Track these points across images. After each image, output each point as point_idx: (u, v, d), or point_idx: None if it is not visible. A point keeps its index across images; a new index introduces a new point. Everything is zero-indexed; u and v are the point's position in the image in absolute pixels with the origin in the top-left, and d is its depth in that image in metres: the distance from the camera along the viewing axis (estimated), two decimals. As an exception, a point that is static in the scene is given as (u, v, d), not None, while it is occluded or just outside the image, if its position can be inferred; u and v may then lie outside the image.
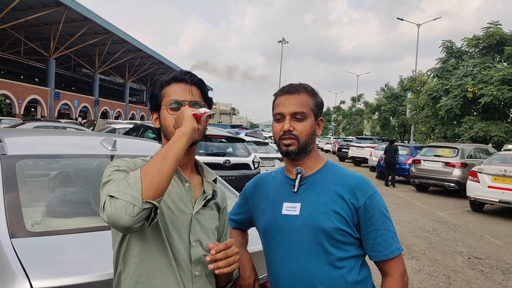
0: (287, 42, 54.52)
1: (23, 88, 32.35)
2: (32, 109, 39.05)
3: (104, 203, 0.98)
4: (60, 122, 20.43)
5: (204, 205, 1.26)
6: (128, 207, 0.95)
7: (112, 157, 2.19)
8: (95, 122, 19.65)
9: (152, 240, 1.13)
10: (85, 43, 36.38)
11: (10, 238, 1.40)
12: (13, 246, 1.36)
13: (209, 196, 1.28)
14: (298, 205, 1.32)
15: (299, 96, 1.33)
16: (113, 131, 12.55)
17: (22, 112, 32.11)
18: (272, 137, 1.40)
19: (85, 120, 34.52)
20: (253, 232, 1.57)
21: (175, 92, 1.23)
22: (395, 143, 15.59)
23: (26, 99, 32.71)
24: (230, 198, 2.31)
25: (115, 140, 2.24)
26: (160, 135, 1.31)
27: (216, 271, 1.13)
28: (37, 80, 42.62)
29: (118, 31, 36.66)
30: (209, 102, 1.32)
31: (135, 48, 41.79)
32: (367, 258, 1.34)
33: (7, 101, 29.37)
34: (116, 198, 0.96)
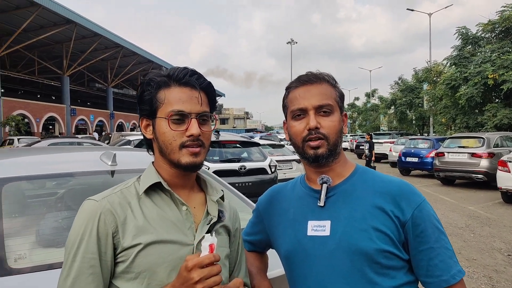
0: (296, 43, 54.19)
1: (39, 107, 32.99)
2: (50, 127, 39.77)
3: None
4: (77, 137, 20.64)
5: (209, 231, 1.01)
6: None
7: (112, 172, 1.98)
8: (110, 136, 19.75)
9: None
10: (97, 58, 36.89)
11: (-13, 279, 1.18)
12: (-12, 290, 1.14)
13: (215, 219, 1.03)
14: (327, 223, 1.05)
15: (321, 86, 1.07)
16: (128, 143, 12.49)
17: (40, 130, 32.73)
18: (291, 141, 1.12)
19: (95, 134, 35.04)
20: (273, 254, 1.31)
21: (179, 99, 0.97)
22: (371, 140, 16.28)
23: (44, 117, 33.33)
24: (247, 212, 2.05)
25: (115, 154, 2.02)
26: (151, 146, 1.06)
27: None
28: (54, 98, 43.39)
29: (128, 44, 37.10)
30: (215, 108, 1.07)
31: (146, 59, 42.21)
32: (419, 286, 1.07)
33: (25, 120, 29.93)
34: None
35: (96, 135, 34.25)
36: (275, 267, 1.35)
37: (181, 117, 0.97)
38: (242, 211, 1.89)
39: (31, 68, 36.37)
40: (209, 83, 1.03)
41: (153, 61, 43.29)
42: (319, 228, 1.06)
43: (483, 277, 4.42)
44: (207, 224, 1.01)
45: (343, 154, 1.12)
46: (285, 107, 1.13)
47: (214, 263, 0.84)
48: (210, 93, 1.03)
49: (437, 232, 1.02)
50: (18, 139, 20.21)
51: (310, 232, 1.07)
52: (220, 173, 5.58)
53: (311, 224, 1.07)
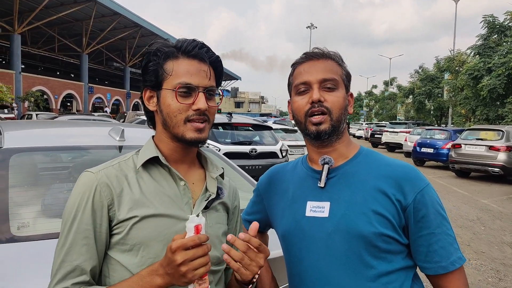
0: (316, 28, 53.29)
1: (58, 84, 33.52)
2: (68, 104, 40.45)
3: None
4: (93, 115, 20.95)
5: (207, 207, 1.00)
6: None
7: (120, 147, 1.99)
8: (125, 114, 19.98)
9: (142, 265, 0.90)
10: (116, 37, 37.07)
11: (-9, 244, 1.21)
12: (-9, 254, 1.17)
13: (213, 195, 1.02)
14: (326, 205, 1.03)
15: (327, 62, 1.05)
16: (143, 122, 12.62)
17: (58, 107, 33.34)
18: (294, 119, 1.09)
19: (107, 109, 35.53)
20: (272, 234, 1.31)
21: (187, 72, 0.95)
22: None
23: (62, 94, 33.91)
24: (250, 191, 2.05)
25: (123, 130, 2.03)
26: (153, 119, 1.05)
27: (235, 268, 0.88)
28: (72, 75, 43.99)
29: (147, 24, 37.10)
30: (220, 84, 1.05)
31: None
32: (418, 271, 1.05)
33: (44, 96, 30.49)
34: None
35: (108, 110, 34.70)
36: (275, 247, 1.35)
37: (188, 90, 0.95)
38: (246, 192, 1.89)
39: (51, 45, 36.82)
40: (218, 57, 1.01)
41: (171, 41, 43.24)
42: (318, 209, 1.04)
43: (490, 270, 4.36)
44: (205, 200, 1.00)
45: (346, 134, 1.10)
46: (290, 85, 1.11)
47: (201, 244, 0.82)
48: (217, 68, 1.02)
49: (439, 218, 0.99)
50: (37, 115, 20.65)
51: (308, 213, 1.05)
52: (231, 155, 5.59)
53: (310, 204, 1.06)
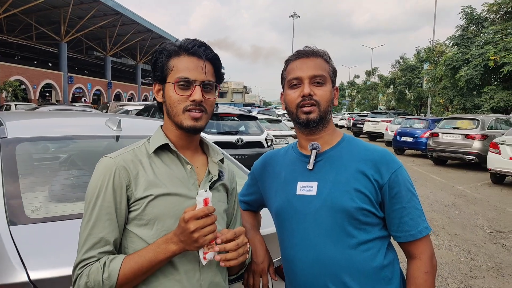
0: (299, 17, 53.24)
1: (37, 73, 32.65)
2: (47, 94, 39.50)
3: (76, 281, 0.99)
4: (74, 105, 20.62)
5: (210, 187, 1.14)
6: None
7: (117, 137, 2.10)
8: (108, 105, 19.74)
9: (153, 235, 1.04)
10: (95, 25, 36.23)
11: (9, 226, 1.33)
12: (11, 234, 1.29)
13: (215, 177, 1.16)
14: (314, 184, 1.19)
15: (316, 59, 1.20)
16: (126, 113, 12.55)
17: (37, 97, 32.54)
18: (286, 109, 1.24)
19: (85, 99, 35.03)
20: (265, 214, 1.46)
21: (186, 67, 1.08)
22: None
23: (41, 84, 33.06)
24: (242, 178, 2.20)
25: (120, 120, 2.14)
26: (162, 110, 1.19)
27: (222, 264, 1.01)
28: (51, 64, 42.85)
29: (127, 12, 36.35)
30: (221, 80, 1.18)
31: (145, 28, 41.47)
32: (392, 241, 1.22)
33: (22, 86, 29.71)
34: None
35: (85, 99, 34.17)
36: (267, 225, 1.50)
37: (186, 84, 1.08)
38: (238, 177, 2.03)
39: (29, 33, 35.71)
40: (215, 54, 1.14)
41: (153, 30, 42.53)
42: (307, 188, 1.20)
43: (463, 251, 4.67)
44: (209, 182, 1.15)
45: (332, 124, 1.26)
46: (283, 79, 1.25)
47: (209, 214, 0.97)
48: (216, 64, 1.14)
49: (409, 194, 1.16)
50: (15, 105, 20.20)
51: (299, 192, 1.21)
52: (217, 145, 5.70)
53: (300, 184, 1.21)
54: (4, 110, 19.74)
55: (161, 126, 1.18)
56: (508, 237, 5.22)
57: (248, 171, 2.03)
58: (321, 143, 1.22)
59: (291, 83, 1.20)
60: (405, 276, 1.20)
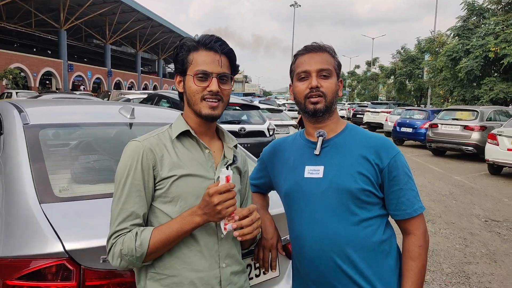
0: (300, 6, 52.85)
1: (37, 61, 32.57)
2: (47, 82, 39.41)
3: (111, 249, 1.12)
4: (75, 94, 20.65)
5: (227, 169, 1.26)
6: (129, 266, 1.14)
7: (131, 125, 2.22)
8: (109, 93, 19.78)
9: (177, 211, 1.16)
10: (95, 13, 36.01)
11: (40, 204, 1.45)
12: (43, 211, 1.41)
13: (230, 161, 1.28)
14: (321, 168, 1.31)
15: (323, 54, 1.31)
16: (128, 101, 12.62)
17: (37, 85, 32.50)
18: (295, 100, 1.36)
19: (84, 87, 35.15)
20: (273, 195, 1.58)
21: (204, 61, 1.19)
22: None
23: (41, 72, 33.00)
24: (249, 164, 2.33)
25: (133, 108, 2.25)
26: (182, 98, 1.30)
27: (239, 238, 1.13)
28: (50, 52, 42.66)
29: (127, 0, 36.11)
30: (236, 72, 1.30)
31: (145, 17, 41.23)
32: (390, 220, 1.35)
33: (22, 74, 29.66)
34: (121, 260, 1.11)
35: (83, 87, 34.25)
36: (275, 207, 1.63)
37: (204, 76, 1.19)
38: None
39: (28, 20, 35.49)
40: (230, 49, 1.25)
41: (153, 18, 42.30)
42: (314, 171, 1.32)
43: (458, 238, 4.83)
44: (224, 165, 1.27)
45: (336, 113, 1.37)
46: (292, 71, 1.37)
47: (230, 190, 1.10)
48: (231, 57, 1.26)
49: (406, 177, 1.29)
50: (17, 93, 20.22)
51: (306, 175, 1.33)
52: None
53: (307, 168, 1.34)
54: (6, 98, 19.78)
55: (182, 113, 1.30)
56: (503, 226, 5.38)
57: (255, 158, 2.15)
58: (327, 131, 1.34)
59: (300, 75, 1.31)
60: (401, 250, 1.33)
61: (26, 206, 1.44)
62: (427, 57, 25.93)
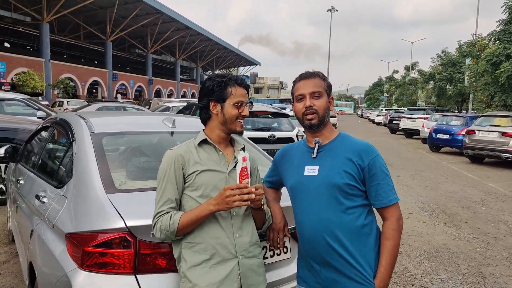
0: (337, 11, 52.67)
1: (85, 71, 34.82)
2: (94, 91, 41.92)
3: (154, 225, 1.60)
4: (119, 102, 22.01)
5: (235, 166, 1.68)
6: (166, 238, 1.62)
7: (172, 133, 2.68)
8: (150, 101, 20.90)
9: (201, 196, 1.63)
10: (138, 24, 37.99)
11: (106, 194, 1.93)
12: (109, 199, 1.88)
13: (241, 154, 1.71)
14: (317, 168, 1.69)
15: (314, 79, 1.70)
16: (167, 109, 13.42)
17: (85, 94, 34.67)
18: (296, 116, 1.77)
19: (119, 95, 37.13)
20: (285, 191, 1.97)
21: (241, 94, 1.70)
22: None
23: (88, 81, 35.22)
24: (267, 165, 2.74)
25: (175, 119, 2.72)
26: (205, 115, 1.75)
27: (245, 203, 1.55)
28: (96, 62, 45.35)
29: (168, 10, 37.80)
30: (249, 94, 1.79)
31: (184, 26, 42.84)
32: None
33: (72, 83, 31.84)
34: (160, 233, 1.58)
35: (120, 96, 36.09)
36: (285, 200, 2.01)
37: (241, 105, 1.70)
38: (264, 165, 2.55)
39: (77, 33, 38.04)
40: (248, 84, 1.73)
41: (192, 27, 43.84)
42: (311, 170, 1.70)
43: (481, 242, 4.93)
44: (234, 162, 1.69)
45: (329, 124, 1.75)
46: (292, 94, 1.76)
47: (240, 188, 1.53)
48: (248, 89, 1.77)
49: (383, 175, 1.63)
50: (67, 102, 21.82)
51: (306, 173, 1.71)
52: (252, 140, 6.24)
53: (307, 168, 1.72)
54: (57, 106, 21.42)
55: (203, 129, 1.77)
56: (530, 232, 5.40)
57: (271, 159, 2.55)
58: (322, 139, 1.72)
59: (297, 98, 1.71)
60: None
61: (96, 195, 1.93)
62: (468, 61, 25.14)
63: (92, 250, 1.72)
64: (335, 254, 1.62)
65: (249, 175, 1.59)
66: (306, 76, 1.71)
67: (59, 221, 1.99)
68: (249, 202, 1.56)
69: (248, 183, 1.58)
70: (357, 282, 1.61)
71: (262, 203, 1.67)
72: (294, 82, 1.76)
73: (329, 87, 1.73)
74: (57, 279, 1.83)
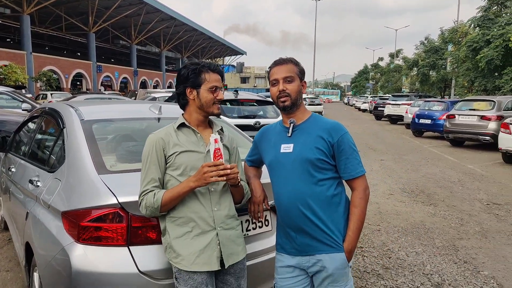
0: (321, -1, 52.55)
1: (68, 63, 34.25)
2: (78, 83, 41.32)
3: (140, 203, 1.76)
4: (104, 94, 21.82)
5: None
6: (151, 214, 1.77)
7: (159, 119, 2.82)
8: (136, 92, 20.78)
9: (182, 175, 1.79)
10: (121, 15, 37.41)
11: (98, 175, 2.07)
12: (101, 179, 2.03)
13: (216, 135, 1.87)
14: (291, 145, 1.86)
15: (287, 65, 1.86)
16: (154, 99, 13.44)
17: (69, 86, 34.16)
18: (272, 99, 1.92)
19: (101, 88, 36.82)
20: (265, 170, 2.14)
21: (215, 79, 1.83)
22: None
23: (72, 73, 34.67)
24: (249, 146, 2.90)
25: (161, 106, 2.86)
26: (182, 101, 1.89)
27: (222, 178, 1.71)
28: (79, 54, 44.58)
29: (151, 1, 37.25)
30: (224, 80, 1.94)
31: (169, 16, 42.34)
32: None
33: (55, 76, 31.34)
34: (146, 210, 1.74)
35: (102, 88, 35.80)
36: (266, 177, 2.18)
37: (216, 89, 1.84)
38: (245, 145, 2.71)
39: (59, 24, 37.29)
40: (222, 70, 1.89)
41: (176, 18, 43.36)
42: (287, 148, 1.88)
43: (455, 219, 5.23)
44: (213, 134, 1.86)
45: (303, 106, 1.92)
46: (268, 79, 1.92)
47: (216, 165, 1.68)
48: (223, 75, 1.92)
49: (351, 150, 1.82)
50: (51, 94, 21.55)
51: (282, 150, 1.89)
52: (238, 127, 6.41)
53: (283, 146, 1.89)
54: (41, 99, 21.13)
55: (183, 114, 1.91)
56: (502, 208, 5.72)
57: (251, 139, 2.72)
58: (296, 119, 1.89)
59: (272, 83, 1.88)
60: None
61: (89, 176, 2.07)
62: (450, 47, 25.60)
63: (88, 225, 1.87)
64: (309, 222, 1.81)
65: (222, 155, 1.73)
66: (279, 62, 1.87)
67: (54, 201, 2.14)
68: (224, 178, 1.72)
69: (222, 162, 1.73)
70: (328, 245, 1.80)
71: (239, 179, 1.82)
72: (270, 68, 1.91)
73: (301, 71, 1.90)
74: (55, 253, 1.98)
